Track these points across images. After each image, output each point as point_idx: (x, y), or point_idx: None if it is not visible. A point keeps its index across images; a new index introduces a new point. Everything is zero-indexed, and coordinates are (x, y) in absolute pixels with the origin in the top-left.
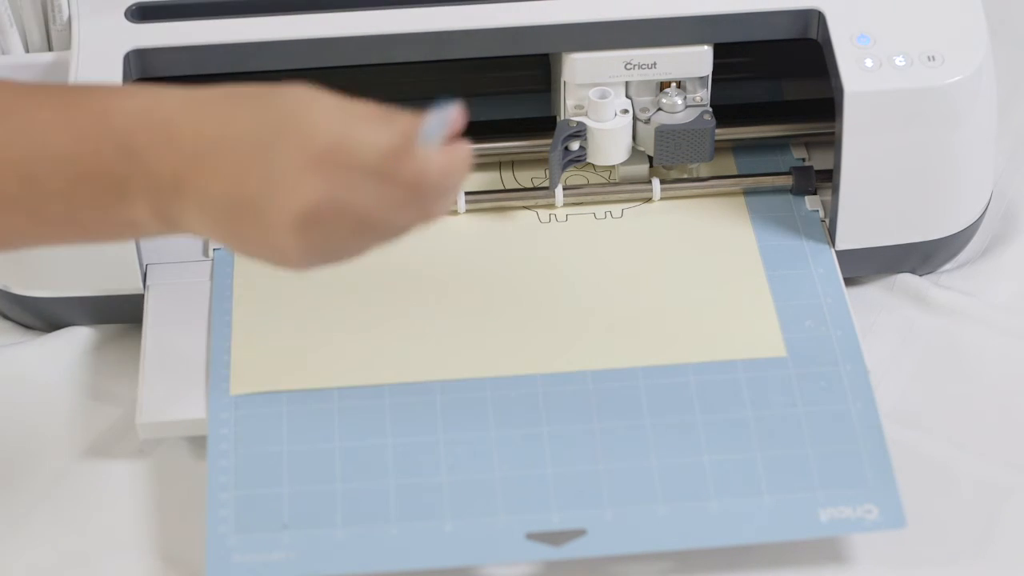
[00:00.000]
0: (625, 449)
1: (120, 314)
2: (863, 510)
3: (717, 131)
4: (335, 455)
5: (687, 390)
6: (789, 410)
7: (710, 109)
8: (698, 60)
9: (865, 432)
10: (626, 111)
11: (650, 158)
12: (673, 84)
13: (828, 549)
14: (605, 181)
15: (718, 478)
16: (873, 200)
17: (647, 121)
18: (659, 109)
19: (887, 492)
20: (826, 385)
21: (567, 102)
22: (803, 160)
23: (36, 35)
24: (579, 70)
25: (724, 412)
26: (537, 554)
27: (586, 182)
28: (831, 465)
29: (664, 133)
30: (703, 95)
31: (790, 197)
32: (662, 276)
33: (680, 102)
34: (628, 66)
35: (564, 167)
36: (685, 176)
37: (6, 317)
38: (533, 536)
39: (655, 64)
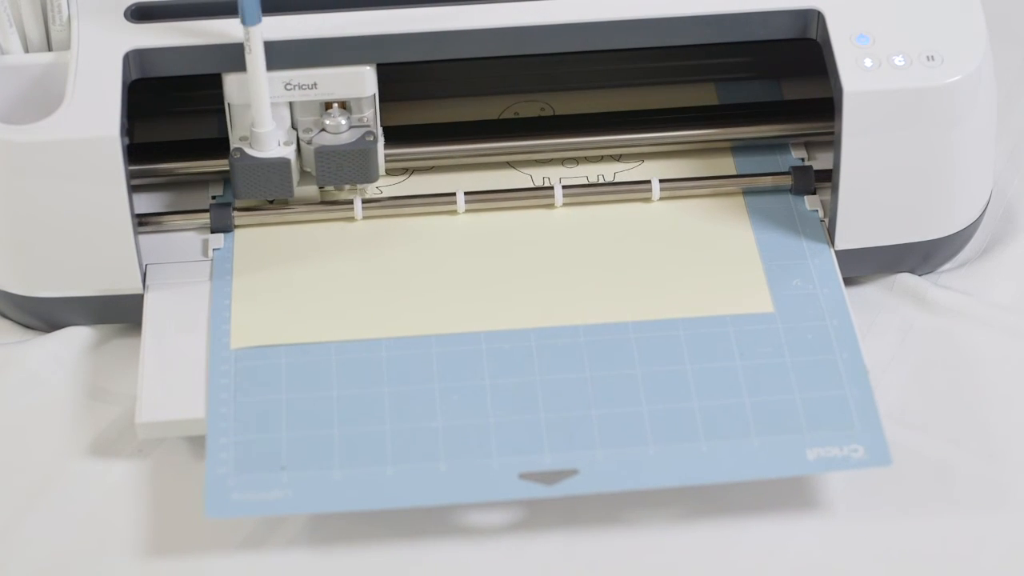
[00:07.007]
0: (616, 395)
1: (120, 314)
2: (849, 449)
3: (717, 131)
4: (333, 402)
5: (677, 342)
6: (777, 359)
7: (374, 130)
8: (361, 80)
9: (851, 379)
10: (288, 143)
11: None
12: (336, 105)
13: (828, 548)
14: (605, 181)
15: (707, 422)
16: (873, 200)
17: (309, 142)
18: (322, 130)
19: (873, 433)
20: (813, 338)
21: (234, 125)
22: (803, 160)
23: (36, 35)
24: (239, 90)
25: (713, 361)
26: (530, 492)
27: (586, 182)
28: (818, 409)
29: (324, 154)
30: (369, 115)
31: (790, 197)
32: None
33: (344, 123)
34: (288, 87)
35: None
36: (685, 176)
37: (6, 317)
38: (526, 476)
39: (315, 84)
